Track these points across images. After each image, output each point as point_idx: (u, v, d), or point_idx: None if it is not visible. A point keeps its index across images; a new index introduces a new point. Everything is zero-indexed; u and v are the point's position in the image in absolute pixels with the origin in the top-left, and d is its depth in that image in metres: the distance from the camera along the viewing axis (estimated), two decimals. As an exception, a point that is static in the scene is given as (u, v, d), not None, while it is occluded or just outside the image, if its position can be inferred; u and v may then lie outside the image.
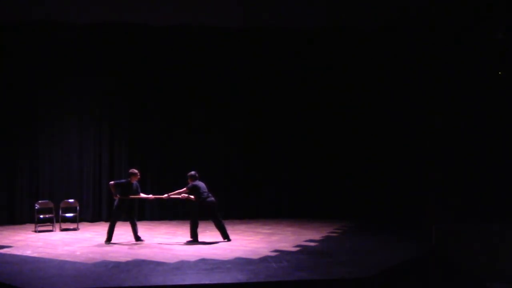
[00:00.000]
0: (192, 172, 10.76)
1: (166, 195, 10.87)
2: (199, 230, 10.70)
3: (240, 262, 8.66)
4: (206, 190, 10.66)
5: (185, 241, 10.61)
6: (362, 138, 14.41)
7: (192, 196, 10.61)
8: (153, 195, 11.39)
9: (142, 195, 10.92)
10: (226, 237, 10.70)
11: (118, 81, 14.05)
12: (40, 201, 12.70)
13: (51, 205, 12.60)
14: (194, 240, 10.56)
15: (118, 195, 10.58)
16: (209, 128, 14.30)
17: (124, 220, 11.16)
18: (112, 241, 10.51)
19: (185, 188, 10.65)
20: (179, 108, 14.26)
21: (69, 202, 12.80)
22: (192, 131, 14.24)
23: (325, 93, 14.53)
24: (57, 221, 12.47)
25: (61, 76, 13.80)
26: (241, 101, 14.44)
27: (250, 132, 14.44)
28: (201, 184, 10.67)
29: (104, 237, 10.66)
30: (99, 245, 10.33)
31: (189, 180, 10.67)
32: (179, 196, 10.72)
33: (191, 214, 10.80)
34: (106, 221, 13.30)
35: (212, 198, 10.64)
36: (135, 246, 10.24)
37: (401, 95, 13.86)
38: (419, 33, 13.10)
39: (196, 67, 14.27)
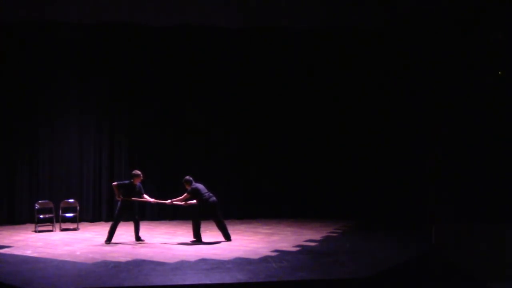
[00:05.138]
0: (187, 177, 10.74)
1: (169, 201, 10.87)
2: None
3: (240, 262, 8.66)
4: (206, 190, 10.67)
5: (188, 241, 10.61)
6: (362, 138, 14.41)
7: (194, 201, 10.61)
8: (155, 197, 11.38)
9: (146, 196, 10.90)
10: (227, 237, 10.70)
11: (118, 81, 14.04)
12: (40, 201, 12.69)
13: (51, 205, 12.60)
14: (198, 240, 10.56)
15: (121, 197, 10.58)
16: (209, 128, 14.30)
17: (126, 220, 11.15)
18: (112, 241, 10.51)
19: (186, 194, 10.65)
20: (179, 108, 14.25)
21: (69, 202, 12.80)
22: (192, 131, 14.23)
23: (325, 93, 14.53)
24: (57, 221, 12.47)
25: (61, 76, 13.78)
26: (241, 102, 14.43)
27: (250, 132, 14.43)
28: (200, 185, 10.68)
29: (104, 237, 10.66)
30: (99, 245, 10.33)
31: (186, 186, 10.66)
32: (182, 203, 10.72)
33: (192, 215, 10.80)
34: (106, 221, 13.32)
35: (214, 198, 10.65)
36: (135, 246, 10.25)
37: (401, 95, 13.86)
38: (419, 33, 13.09)
39: (196, 67, 14.26)
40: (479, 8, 11.79)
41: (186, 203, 10.69)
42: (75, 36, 13.69)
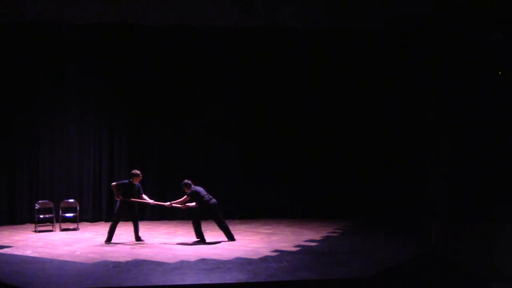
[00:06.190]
0: (186, 181, 10.72)
1: (168, 203, 10.86)
2: (199, 230, 10.72)
3: (240, 262, 8.67)
4: (206, 193, 10.66)
5: (188, 241, 10.61)
6: (362, 138, 14.42)
7: (193, 203, 10.61)
8: (155, 197, 11.39)
9: (145, 196, 10.89)
10: (230, 237, 10.70)
11: (118, 81, 14.05)
12: (40, 201, 12.69)
13: (51, 205, 12.60)
14: (201, 240, 10.56)
15: (120, 197, 10.58)
16: (209, 127, 14.30)
17: (125, 220, 11.16)
18: (112, 241, 10.51)
19: (185, 196, 10.65)
20: (179, 108, 14.25)
21: (69, 202, 12.80)
22: (192, 131, 14.24)
23: (324, 93, 14.53)
24: (57, 221, 12.47)
25: (61, 76, 13.79)
26: (241, 101, 14.44)
27: (250, 132, 14.43)
28: (199, 188, 10.68)
29: (104, 237, 10.66)
30: (99, 245, 10.33)
31: (185, 189, 10.64)
32: (181, 205, 10.71)
33: (192, 216, 10.81)
34: (106, 221, 13.31)
35: (214, 200, 10.65)
36: (135, 246, 10.25)
37: (401, 95, 13.86)
38: (418, 33, 13.10)
39: (196, 67, 14.26)
40: (478, 7, 11.78)
41: (185, 206, 10.69)
42: (75, 36, 13.69)
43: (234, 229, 11.53)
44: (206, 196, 10.60)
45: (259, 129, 14.46)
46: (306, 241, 10.79)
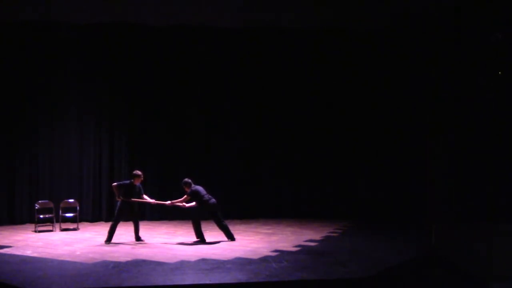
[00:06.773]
0: (186, 179, 10.74)
1: (169, 202, 10.86)
2: (199, 230, 10.72)
3: (240, 262, 8.67)
4: (206, 192, 10.67)
5: (188, 241, 10.62)
6: (362, 138, 14.42)
7: (193, 203, 10.61)
8: (155, 197, 11.38)
9: (145, 197, 10.90)
10: (230, 237, 10.71)
11: (118, 81, 14.05)
12: (40, 201, 12.70)
13: (51, 205, 12.60)
14: (201, 240, 10.57)
15: (121, 197, 10.58)
16: (209, 128, 14.31)
17: (126, 220, 11.16)
18: (112, 241, 10.51)
19: (185, 196, 10.66)
20: (179, 108, 14.26)
21: (69, 202, 12.81)
22: (192, 131, 14.25)
23: (324, 93, 14.54)
24: (57, 221, 12.48)
25: (61, 76, 13.80)
26: (241, 101, 14.44)
27: (250, 132, 14.44)
28: (199, 188, 10.69)
29: (104, 237, 10.67)
30: (99, 245, 10.33)
31: (185, 188, 10.65)
32: (181, 205, 10.71)
33: (191, 215, 10.81)
34: (106, 221, 13.32)
35: (214, 200, 10.66)
36: (135, 246, 10.25)
37: (401, 95, 13.87)
38: (418, 33, 13.10)
39: (196, 67, 14.27)
40: (478, 7, 11.78)
41: (184, 205, 10.69)
42: (75, 36, 13.70)
43: (234, 229, 11.54)
44: (206, 196, 10.61)
45: (259, 129, 14.47)
46: (306, 241, 10.79)
